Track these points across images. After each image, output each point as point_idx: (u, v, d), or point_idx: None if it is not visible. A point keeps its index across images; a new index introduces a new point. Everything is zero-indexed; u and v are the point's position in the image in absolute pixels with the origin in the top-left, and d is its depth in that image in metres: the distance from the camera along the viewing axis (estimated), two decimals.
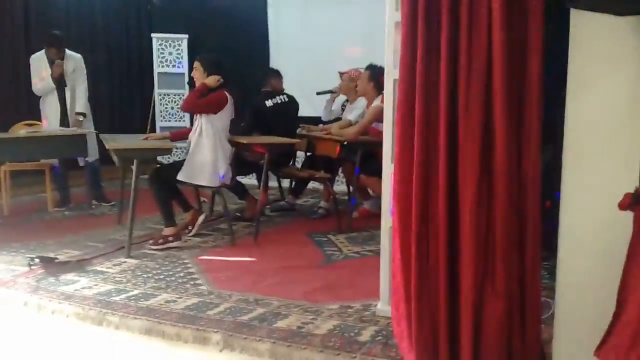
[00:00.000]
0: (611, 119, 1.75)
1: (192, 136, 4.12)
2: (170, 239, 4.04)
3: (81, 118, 5.33)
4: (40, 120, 5.45)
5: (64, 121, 5.27)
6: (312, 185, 5.72)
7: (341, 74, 5.30)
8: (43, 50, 5.27)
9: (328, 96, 5.55)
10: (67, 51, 5.32)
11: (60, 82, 5.25)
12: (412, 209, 1.98)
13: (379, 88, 4.58)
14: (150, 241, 4.06)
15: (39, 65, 5.23)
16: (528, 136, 1.86)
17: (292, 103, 5.22)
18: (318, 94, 5.54)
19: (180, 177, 3.99)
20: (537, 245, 1.94)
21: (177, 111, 7.34)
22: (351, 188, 5.08)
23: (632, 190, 1.49)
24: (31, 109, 6.09)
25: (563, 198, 1.86)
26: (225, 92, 4.12)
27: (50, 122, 5.26)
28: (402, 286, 2.01)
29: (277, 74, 5.39)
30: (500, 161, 1.83)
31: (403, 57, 1.97)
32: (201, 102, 4.06)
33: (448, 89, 1.86)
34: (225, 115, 4.12)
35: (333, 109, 5.63)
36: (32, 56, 5.30)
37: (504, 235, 1.87)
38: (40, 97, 5.32)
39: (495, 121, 1.83)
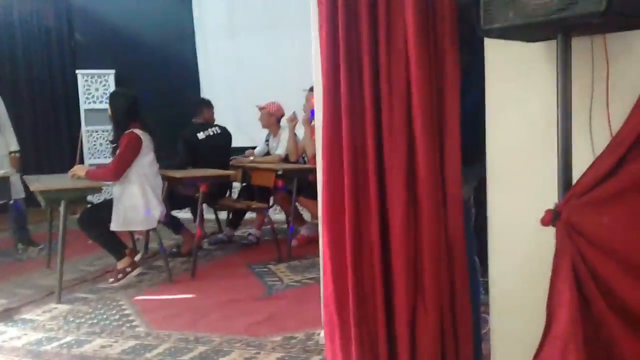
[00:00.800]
0: (529, 139, 1.84)
1: (116, 183, 3.94)
2: (128, 269, 3.95)
3: (18, 155, 5.10)
4: None
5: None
6: (250, 215, 5.68)
7: (260, 108, 5.35)
8: None
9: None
10: None
11: None
12: (344, 237, 1.99)
13: None
14: (110, 280, 3.96)
15: None
16: (449, 159, 1.92)
17: (224, 134, 5.20)
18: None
19: (113, 227, 3.86)
20: (464, 262, 1.99)
21: (106, 147, 7.14)
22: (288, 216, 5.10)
23: (552, 207, 1.56)
24: None
25: (490, 216, 1.93)
26: (134, 132, 3.88)
27: None
28: (336, 315, 2.01)
29: (208, 104, 5.37)
30: (424, 184, 1.88)
31: (327, 87, 2.01)
32: (120, 160, 3.85)
33: (373, 115, 1.91)
34: (145, 153, 3.91)
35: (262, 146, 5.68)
36: None
37: (431, 256, 1.92)
38: None
39: (418, 146, 1.88)
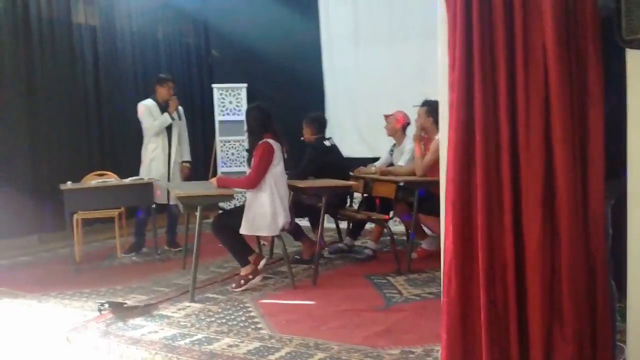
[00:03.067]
0: None
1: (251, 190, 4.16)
2: (250, 277, 4.15)
3: (189, 165, 5.63)
4: (112, 169, 5.72)
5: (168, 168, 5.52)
6: (370, 226, 5.72)
7: (386, 117, 5.35)
8: (149, 99, 5.53)
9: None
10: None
11: (169, 131, 5.52)
12: (473, 253, 1.94)
13: (437, 122, 4.60)
14: (232, 285, 4.18)
15: (151, 111, 5.47)
16: (591, 175, 1.82)
17: (338, 146, 5.30)
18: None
19: (242, 231, 4.08)
20: (607, 286, 1.87)
21: (237, 157, 7.56)
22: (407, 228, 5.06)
23: None
24: (102, 159, 6.46)
25: (630, 236, 1.80)
26: (267, 142, 4.11)
27: (155, 167, 5.46)
28: (462, 334, 1.96)
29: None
30: (564, 200, 1.79)
31: (457, 99, 1.97)
32: (258, 169, 4.07)
33: (508, 128, 1.86)
34: (277, 162, 4.12)
35: (386, 156, 5.66)
36: (142, 103, 5.53)
37: (571, 277, 1.82)
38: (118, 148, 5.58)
39: (557, 159, 1.80)
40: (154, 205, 5.22)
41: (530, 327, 1.85)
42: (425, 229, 5.05)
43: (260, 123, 4.20)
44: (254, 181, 4.08)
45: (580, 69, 1.80)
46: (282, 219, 4.12)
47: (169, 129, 5.52)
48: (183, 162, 5.63)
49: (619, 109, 1.81)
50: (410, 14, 6.46)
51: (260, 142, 4.13)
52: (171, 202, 5.39)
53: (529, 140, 1.82)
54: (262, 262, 4.32)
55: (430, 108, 4.77)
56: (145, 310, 3.68)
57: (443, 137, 2.42)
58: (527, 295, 1.86)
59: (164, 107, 5.50)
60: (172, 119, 5.48)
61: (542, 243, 1.82)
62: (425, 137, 4.92)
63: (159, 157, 5.48)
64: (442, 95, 2.29)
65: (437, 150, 4.55)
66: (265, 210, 4.07)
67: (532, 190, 1.83)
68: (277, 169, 4.13)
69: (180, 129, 5.63)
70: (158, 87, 5.54)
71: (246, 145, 4.64)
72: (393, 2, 6.71)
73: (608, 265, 1.96)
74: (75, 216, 5.29)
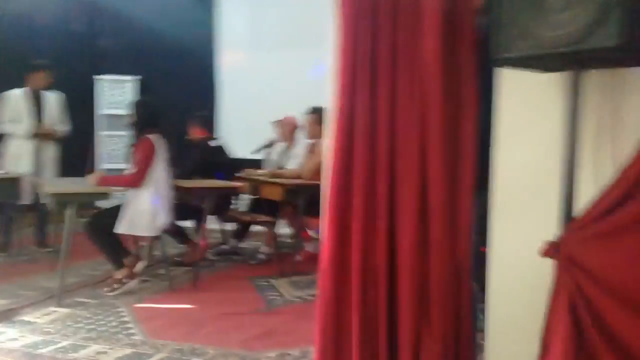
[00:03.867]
0: (534, 169, 1.82)
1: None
2: (124, 280, 3.93)
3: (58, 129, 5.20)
4: None
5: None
6: (256, 227, 5.67)
7: (276, 123, 5.36)
8: (21, 89, 5.10)
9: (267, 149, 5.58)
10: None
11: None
12: (348, 257, 1.97)
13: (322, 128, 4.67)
14: (105, 289, 3.95)
15: (18, 104, 5.03)
16: (462, 187, 1.91)
17: (224, 147, 5.24)
18: (256, 151, 5.48)
19: (119, 230, 3.88)
20: (470, 289, 1.97)
21: (120, 153, 7.20)
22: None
23: (553, 238, 1.53)
24: None
25: (491, 243, 1.91)
26: (148, 138, 3.95)
27: (24, 163, 5.03)
28: (334, 335, 1.99)
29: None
30: (436, 209, 1.87)
31: (342, 106, 2.00)
32: (139, 166, 3.91)
33: (387, 138, 1.90)
34: (159, 160, 3.96)
35: (275, 159, 5.65)
36: (4, 93, 5.09)
37: (441, 279, 1.90)
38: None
39: (431, 170, 1.87)
40: (21, 203, 4.83)
41: (400, 327, 1.91)
42: (310, 232, 5.09)
43: (146, 118, 4.03)
44: (138, 179, 3.89)
45: (456, 85, 1.88)
46: (162, 219, 3.96)
47: (37, 116, 5.10)
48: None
49: (486, 125, 1.92)
50: (305, 20, 6.50)
51: (142, 138, 3.95)
52: (41, 200, 5.01)
53: (406, 150, 1.88)
54: (140, 265, 4.14)
55: (320, 115, 4.84)
56: (5, 315, 3.38)
57: (327, 143, 2.44)
58: (398, 298, 1.91)
59: (36, 97, 5.09)
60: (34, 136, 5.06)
61: (414, 249, 1.89)
62: (312, 143, 4.98)
63: (24, 153, 5.07)
64: (330, 102, 2.32)
65: (321, 154, 4.61)
66: (144, 209, 3.89)
67: (407, 198, 1.89)
68: (159, 167, 3.97)
69: (52, 114, 5.22)
70: (32, 74, 5.11)
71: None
72: (289, 7, 6.73)
73: (471, 269, 2.08)
74: None
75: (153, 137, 3.95)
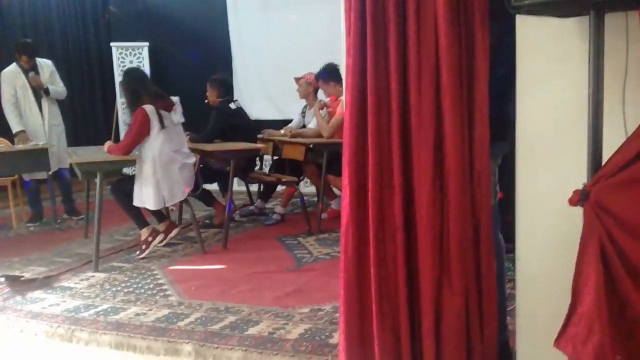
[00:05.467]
0: (559, 118, 1.80)
1: (137, 159, 4.00)
2: (150, 239, 4.03)
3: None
4: (3, 135, 5.32)
5: (46, 132, 5.19)
6: (281, 188, 5.74)
7: (296, 79, 5.33)
8: (14, 64, 5.13)
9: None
10: (38, 59, 5.21)
11: (37, 93, 5.14)
12: (367, 213, 1.99)
13: (341, 84, 4.69)
14: (137, 253, 4.05)
15: (13, 79, 5.08)
16: (477, 135, 1.90)
17: (243, 108, 5.24)
18: (301, 113, 5.49)
19: (134, 202, 3.95)
20: (491, 241, 1.98)
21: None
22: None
23: (581, 186, 1.54)
24: None
25: (517, 193, 1.91)
26: (142, 108, 3.86)
27: (34, 134, 5.12)
28: (356, 289, 2.02)
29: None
30: (452, 160, 1.87)
31: (353, 63, 1.99)
32: (127, 135, 3.92)
33: (399, 93, 1.89)
34: (157, 131, 3.87)
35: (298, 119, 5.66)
36: (4, 71, 5.13)
37: (458, 234, 1.91)
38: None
39: (446, 123, 1.86)
40: (50, 173, 4.93)
41: (420, 281, 1.93)
42: (334, 189, 5.14)
43: (131, 93, 3.97)
44: (123, 148, 3.89)
45: (468, 35, 1.85)
46: (170, 190, 3.94)
47: (35, 92, 5.15)
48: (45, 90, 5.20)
49: (506, 77, 1.90)
50: None
51: (137, 108, 3.90)
52: (60, 166, 5.12)
53: (420, 106, 1.87)
54: (175, 231, 4.20)
55: (330, 72, 4.85)
56: (44, 282, 3.52)
57: (344, 102, 2.45)
58: (417, 253, 1.93)
59: (29, 72, 5.13)
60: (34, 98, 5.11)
61: (432, 203, 1.89)
62: (331, 102, 4.97)
63: (31, 125, 5.13)
64: (343, 60, 2.30)
65: (342, 112, 4.62)
66: (148, 181, 3.91)
67: (423, 154, 1.89)
68: (158, 139, 3.89)
69: (54, 84, 5.26)
70: (18, 55, 5.12)
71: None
72: None
73: (496, 220, 2.09)
74: None
75: (145, 107, 3.88)
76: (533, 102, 1.84)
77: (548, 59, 1.80)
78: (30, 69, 5.12)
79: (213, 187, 5.08)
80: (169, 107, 4.02)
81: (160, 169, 3.91)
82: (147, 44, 7.20)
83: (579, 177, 1.60)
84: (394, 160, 1.91)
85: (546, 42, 1.79)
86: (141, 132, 3.86)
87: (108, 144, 4.14)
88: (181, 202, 4.33)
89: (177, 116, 4.04)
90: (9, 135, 5.23)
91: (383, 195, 1.93)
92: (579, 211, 1.57)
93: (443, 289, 1.89)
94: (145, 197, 3.93)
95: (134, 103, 3.95)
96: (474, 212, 1.89)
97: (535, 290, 1.91)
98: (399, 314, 1.93)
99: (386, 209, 1.93)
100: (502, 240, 2.18)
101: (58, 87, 5.30)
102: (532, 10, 1.60)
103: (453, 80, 1.81)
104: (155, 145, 3.89)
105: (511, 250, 2.29)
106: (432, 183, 1.86)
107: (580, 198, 1.53)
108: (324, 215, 4.92)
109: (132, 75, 4.13)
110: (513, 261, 2.83)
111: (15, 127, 5.09)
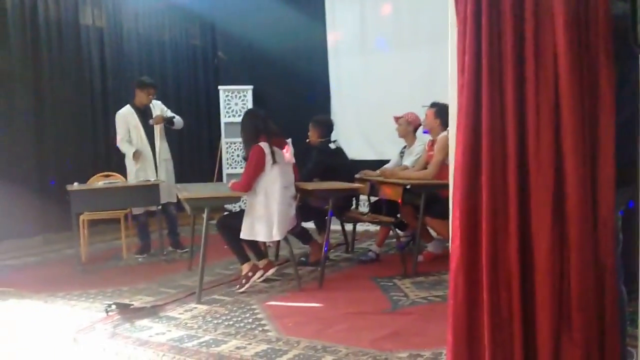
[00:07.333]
0: None
1: (247, 194, 4.15)
2: (250, 274, 4.15)
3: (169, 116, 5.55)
4: (118, 171, 5.72)
5: (157, 168, 5.49)
6: (375, 228, 5.72)
7: (396, 118, 5.34)
8: (127, 105, 5.52)
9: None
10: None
11: (149, 132, 5.48)
12: (479, 257, 1.94)
13: (444, 125, 4.62)
14: (237, 287, 4.18)
15: (127, 119, 5.45)
16: (601, 182, 1.82)
17: (342, 149, 5.29)
18: (400, 153, 5.52)
19: (242, 236, 4.08)
20: (616, 292, 1.87)
21: (242, 159, 7.57)
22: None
23: None
24: (109, 161, 6.47)
25: None
26: (259, 145, 4.06)
27: (143, 175, 5.41)
28: (467, 338, 1.96)
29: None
30: (574, 206, 1.79)
31: (467, 103, 1.97)
32: (246, 172, 4.08)
33: (516, 134, 1.86)
34: (270, 166, 4.04)
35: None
36: (118, 112, 5.53)
37: (580, 283, 1.82)
38: (124, 153, 5.53)
39: (567, 165, 1.80)
40: (159, 207, 5.23)
41: (538, 331, 1.85)
42: (431, 231, 5.05)
43: (251, 130, 4.16)
44: (244, 185, 4.06)
45: (591, 75, 1.80)
46: (278, 224, 4.04)
47: (150, 128, 5.47)
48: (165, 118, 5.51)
49: (630, 116, 1.81)
50: (417, 18, 6.47)
51: (253, 146, 4.09)
52: (168, 200, 5.40)
53: (538, 147, 1.82)
54: (272, 270, 4.29)
55: (439, 109, 4.79)
56: (152, 311, 3.68)
57: (452, 142, 2.42)
58: (535, 300, 1.85)
59: (142, 112, 5.48)
60: (136, 161, 5.40)
61: (551, 249, 1.82)
62: (432, 139, 4.93)
63: (144, 165, 5.44)
64: (452, 99, 2.29)
65: (442, 149, 4.56)
66: (260, 215, 4.05)
67: (542, 197, 1.83)
68: (273, 173, 4.05)
69: (162, 126, 5.57)
70: (138, 91, 5.48)
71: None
72: (400, 7, 6.73)
73: (618, 271, 1.97)
74: (81, 217, 5.30)
75: (261, 144, 4.07)
76: None
77: None
78: (145, 108, 5.48)
79: (309, 225, 5.15)
80: (282, 145, 4.21)
81: (272, 203, 4.05)
82: (251, 87, 7.55)
83: None
84: (509, 203, 1.86)
85: None
86: (258, 167, 4.04)
87: (232, 181, 4.33)
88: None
89: (288, 155, 4.21)
90: (123, 172, 5.61)
91: (497, 238, 1.88)
92: None
93: (562, 340, 1.79)
94: (257, 230, 4.06)
95: (252, 140, 4.14)
96: (598, 261, 1.79)
97: None
98: None
99: (500, 253, 1.88)
100: (625, 293, 2.04)
101: (178, 118, 5.65)
102: None
103: (575, 119, 1.75)
104: (268, 181, 4.06)
105: (630, 303, 2.14)
106: (551, 229, 1.79)
107: None
108: (420, 258, 4.83)
109: (255, 113, 4.38)
110: (631, 317, 2.64)
111: (130, 150, 5.41)
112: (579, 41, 1.78)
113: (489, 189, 1.90)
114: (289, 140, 4.31)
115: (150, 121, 5.44)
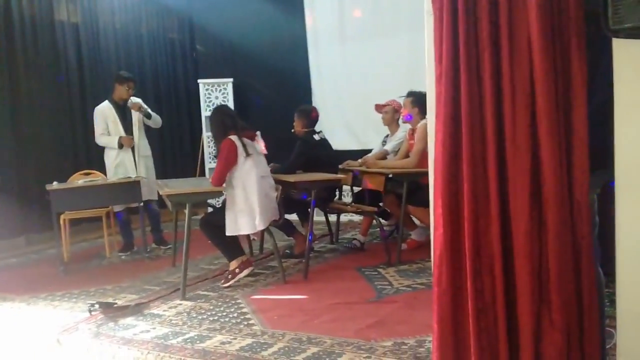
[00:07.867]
0: None
1: (226, 189, 4.13)
2: (237, 270, 4.12)
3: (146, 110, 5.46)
4: (98, 168, 5.65)
5: (137, 165, 5.42)
6: (358, 218, 5.73)
7: (380, 106, 5.32)
8: (106, 101, 5.45)
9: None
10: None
11: (127, 128, 5.40)
12: (462, 245, 1.95)
13: (423, 113, 4.63)
14: (222, 281, 4.15)
15: (105, 114, 5.38)
16: (576, 166, 1.83)
17: (326, 140, 5.28)
18: (383, 142, 5.51)
19: (227, 233, 4.06)
20: (593, 273, 1.89)
21: (214, 157, 7.53)
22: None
23: None
24: (89, 158, 6.39)
25: (618, 224, 1.81)
26: (229, 139, 4.04)
27: (122, 172, 5.35)
28: (452, 324, 1.98)
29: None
30: (550, 190, 1.81)
31: (445, 92, 1.97)
32: (217, 167, 4.05)
33: (494, 121, 1.86)
34: (243, 160, 4.02)
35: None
36: (97, 108, 5.45)
37: (558, 265, 1.84)
38: (103, 147, 5.47)
39: (542, 150, 1.81)
40: (141, 204, 5.18)
41: (519, 315, 1.87)
42: (414, 219, 5.07)
43: (219, 125, 4.15)
44: (216, 178, 4.04)
45: (564, 62, 1.81)
46: (260, 214, 4.03)
47: (129, 124, 5.40)
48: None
49: (603, 100, 1.82)
50: (396, 8, 6.45)
51: (224, 140, 4.07)
52: (149, 197, 5.36)
53: (515, 134, 1.84)
54: (250, 269, 4.26)
55: (416, 98, 4.80)
56: (136, 309, 3.66)
57: (431, 130, 2.42)
58: (515, 284, 1.87)
59: (121, 108, 5.41)
60: (120, 146, 5.34)
61: (529, 233, 1.84)
62: (412, 128, 4.94)
63: (124, 161, 5.39)
64: (430, 88, 2.29)
65: (423, 138, 4.56)
66: (241, 208, 4.03)
67: (520, 182, 1.84)
68: (246, 166, 4.03)
69: (141, 122, 5.50)
70: (117, 86, 5.40)
71: None
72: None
73: (595, 253, 1.99)
74: (62, 216, 5.23)
75: (231, 138, 4.04)
76: (632, 128, 1.75)
77: None
78: (124, 104, 5.41)
79: (292, 217, 5.14)
80: (252, 137, 4.18)
81: (251, 194, 4.03)
82: (231, 79, 7.49)
83: None
84: (490, 189, 1.87)
85: None
86: (229, 160, 4.01)
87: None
88: (263, 232, 4.40)
89: (259, 146, 4.17)
90: (103, 169, 5.55)
91: (479, 224, 1.89)
92: None
93: (543, 322, 1.81)
94: (240, 224, 4.05)
95: (221, 135, 4.11)
96: (575, 243, 1.81)
97: (637, 325, 1.78)
98: (499, 348, 1.86)
99: (482, 238, 1.89)
100: (602, 275, 2.06)
101: (156, 115, 5.58)
102: (632, 34, 1.53)
103: (549, 105, 1.76)
104: (243, 173, 4.04)
105: (606, 284, 2.16)
106: (529, 213, 1.80)
107: None
108: (404, 246, 4.85)
109: (223, 110, 4.35)
110: (608, 297, 2.68)
111: (113, 140, 5.34)
112: (552, 26, 1.79)
113: (470, 175, 1.91)
114: (258, 133, 4.29)
115: (128, 103, 5.36)
